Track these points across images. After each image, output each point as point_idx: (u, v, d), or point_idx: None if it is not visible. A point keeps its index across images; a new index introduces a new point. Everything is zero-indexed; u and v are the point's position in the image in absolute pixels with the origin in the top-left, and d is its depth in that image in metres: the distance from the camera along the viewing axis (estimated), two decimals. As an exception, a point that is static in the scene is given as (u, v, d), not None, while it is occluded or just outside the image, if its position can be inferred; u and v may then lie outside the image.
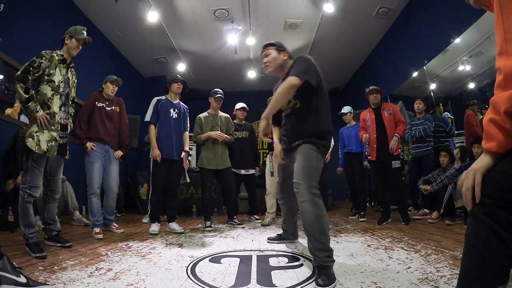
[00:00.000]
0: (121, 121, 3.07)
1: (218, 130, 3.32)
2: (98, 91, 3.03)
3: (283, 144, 1.97)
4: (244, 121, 4.01)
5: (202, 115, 3.44)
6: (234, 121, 3.91)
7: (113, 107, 3.01)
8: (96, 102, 2.91)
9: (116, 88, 3.04)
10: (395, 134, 3.26)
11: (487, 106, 3.83)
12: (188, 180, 3.37)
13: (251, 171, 3.96)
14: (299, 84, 1.66)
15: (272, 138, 2.23)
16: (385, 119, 3.36)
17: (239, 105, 3.94)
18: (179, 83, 3.06)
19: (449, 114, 4.36)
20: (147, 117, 2.97)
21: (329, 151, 3.30)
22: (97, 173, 2.81)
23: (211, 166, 3.27)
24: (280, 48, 1.93)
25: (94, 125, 2.87)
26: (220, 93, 3.42)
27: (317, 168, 1.69)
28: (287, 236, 2.35)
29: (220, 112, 3.50)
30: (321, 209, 1.58)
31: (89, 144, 2.79)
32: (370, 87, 3.44)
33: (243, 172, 3.88)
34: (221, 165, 3.31)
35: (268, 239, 2.41)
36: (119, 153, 3.01)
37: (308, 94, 1.75)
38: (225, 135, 3.31)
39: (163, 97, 3.07)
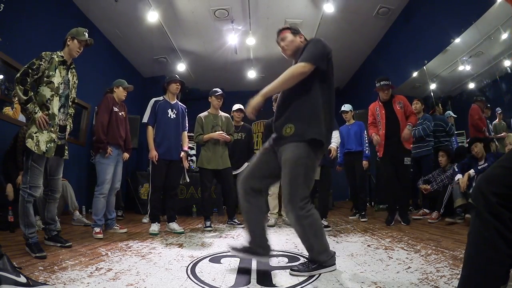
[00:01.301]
0: (127, 125, 3.17)
1: (219, 130, 3.31)
2: (107, 92, 3.08)
3: (274, 130, 1.74)
4: (242, 122, 3.95)
5: (203, 114, 3.42)
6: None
7: (122, 112, 3.09)
8: (113, 107, 2.97)
9: (127, 94, 3.12)
10: (408, 123, 3.16)
11: (489, 105, 3.85)
12: (188, 180, 3.36)
13: (241, 169, 3.83)
14: (309, 71, 1.55)
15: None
16: (397, 112, 3.22)
17: (236, 106, 3.89)
18: (177, 84, 3.07)
19: (451, 113, 4.34)
20: (145, 119, 2.99)
21: (335, 145, 3.24)
22: (110, 175, 2.87)
23: (210, 166, 3.26)
24: (295, 31, 1.85)
25: (112, 130, 2.92)
26: (220, 92, 3.40)
27: (304, 176, 1.53)
28: (255, 248, 1.64)
29: (220, 111, 3.49)
30: (310, 226, 1.52)
31: (109, 150, 2.84)
32: (381, 83, 3.26)
33: (234, 172, 3.80)
34: (220, 165, 3.30)
35: (232, 248, 1.70)
36: (127, 156, 3.12)
37: (311, 75, 1.59)
38: (226, 136, 3.30)
39: (161, 98, 3.07)
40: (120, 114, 3.04)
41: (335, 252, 1.63)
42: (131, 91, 3.15)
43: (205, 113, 3.45)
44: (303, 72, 1.55)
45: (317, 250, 1.55)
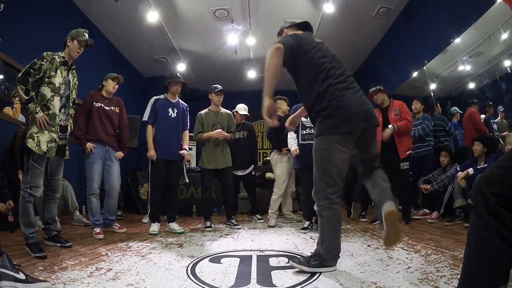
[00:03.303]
0: (121, 122, 3.05)
1: (219, 128, 3.26)
2: (97, 89, 3.01)
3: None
4: (243, 121, 3.94)
5: (203, 112, 3.37)
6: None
7: (112, 107, 2.96)
8: (94, 102, 2.86)
9: (117, 86, 3.00)
10: (393, 124, 3.13)
11: (491, 103, 3.86)
12: (187, 181, 3.34)
13: (248, 171, 3.91)
14: (280, 47, 1.56)
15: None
16: (391, 121, 3.25)
17: (242, 110, 3.85)
18: (178, 85, 3.04)
19: (457, 109, 4.32)
20: (145, 117, 2.96)
21: None
22: (96, 174, 2.80)
23: (211, 165, 3.22)
24: (279, 32, 1.95)
25: (92, 126, 2.84)
26: (220, 88, 3.34)
27: (322, 168, 1.55)
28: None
29: (221, 108, 3.44)
30: (327, 220, 1.56)
31: (89, 145, 2.77)
32: (370, 90, 3.36)
33: (240, 173, 3.83)
34: (221, 164, 3.25)
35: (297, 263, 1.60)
36: (120, 154, 2.99)
37: (292, 69, 1.67)
38: (226, 134, 3.25)
39: (162, 96, 3.05)
40: (107, 109, 2.91)
41: (339, 255, 1.61)
42: (122, 82, 3.03)
43: (206, 110, 3.39)
44: (273, 52, 1.56)
45: (325, 247, 1.57)
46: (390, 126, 3.14)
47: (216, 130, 3.23)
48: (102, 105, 2.90)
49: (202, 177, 3.27)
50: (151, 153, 2.87)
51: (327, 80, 1.58)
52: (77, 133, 2.78)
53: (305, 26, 1.90)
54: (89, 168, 2.80)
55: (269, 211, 3.53)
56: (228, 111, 3.48)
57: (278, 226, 3.36)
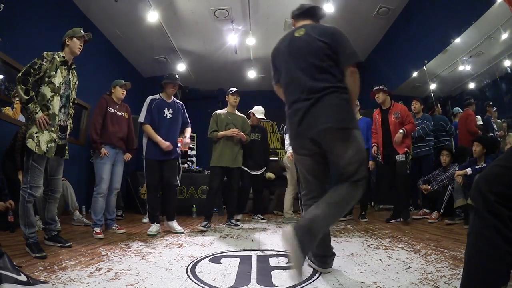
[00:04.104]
0: (129, 127, 3.18)
1: (233, 128, 3.30)
2: (108, 94, 3.09)
3: None
4: (258, 123, 4.05)
5: (219, 111, 3.43)
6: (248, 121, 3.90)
7: (122, 113, 3.09)
8: (108, 108, 2.97)
9: (125, 92, 3.12)
10: (402, 128, 3.21)
11: (491, 103, 3.86)
12: (181, 169, 3.36)
13: (261, 171, 4.00)
14: (276, 87, 1.80)
15: None
16: (391, 123, 3.31)
17: (259, 113, 3.94)
18: (174, 87, 3.03)
19: (459, 109, 4.32)
20: (141, 118, 2.96)
21: None
22: (107, 174, 2.88)
23: (223, 163, 3.22)
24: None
25: (106, 129, 2.93)
26: (235, 90, 3.46)
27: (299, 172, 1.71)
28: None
29: (237, 111, 3.49)
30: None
31: (103, 151, 2.86)
32: (374, 88, 3.42)
33: (253, 173, 3.91)
34: (234, 164, 3.27)
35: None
36: (129, 156, 3.16)
37: None
38: (241, 133, 3.28)
39: (157, 96, 3.04)
40: (119, 114, 3.04)
41: (323, 257, 1.56)
42: (129, 88, 3.14)
43: (223, 110, 3.45)
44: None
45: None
46: (400, 130, 3.21)
47: (231, 129, 3.26)
48: (115, 110, 3.02)
49: (211, 176, 3.28)
50: (165, 144, 2.86)
51: (285, 91, 1.66)
52: (94, 137, 2.85)
53: (306, 13, 1.76)
54: (100, 168, 2.86)
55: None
56: (243, 115, 3.54)
57: (278, 226, 3.36)
